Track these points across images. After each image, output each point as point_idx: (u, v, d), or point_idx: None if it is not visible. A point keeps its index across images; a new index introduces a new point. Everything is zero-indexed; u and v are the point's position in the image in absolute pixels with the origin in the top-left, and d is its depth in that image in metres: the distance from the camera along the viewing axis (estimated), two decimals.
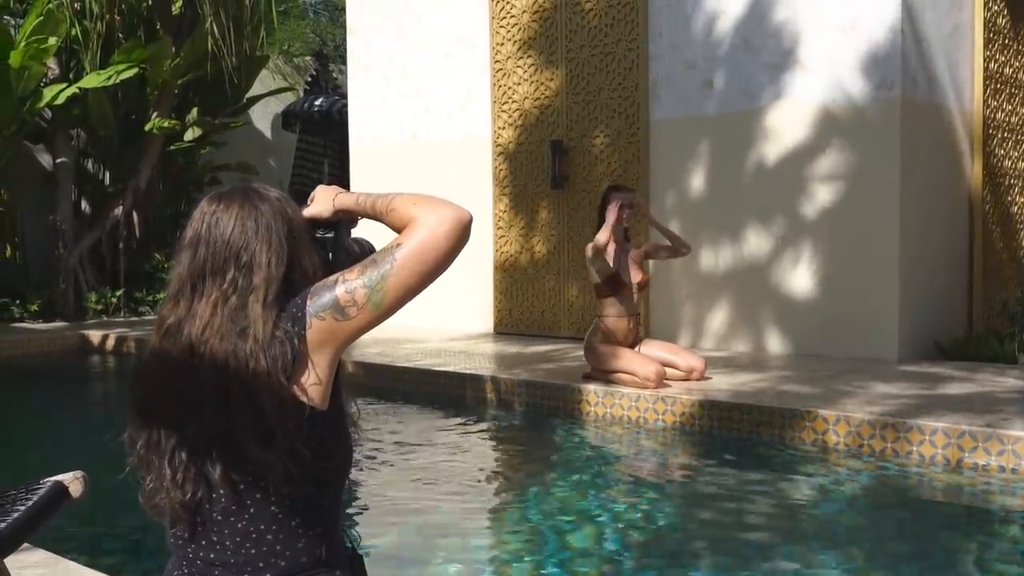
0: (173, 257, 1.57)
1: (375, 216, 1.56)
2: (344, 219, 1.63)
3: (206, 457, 1.44)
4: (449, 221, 1.43)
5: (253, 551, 1.44)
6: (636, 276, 5.76)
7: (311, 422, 1.44)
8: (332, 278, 1.47)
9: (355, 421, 1.59)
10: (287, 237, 1.51)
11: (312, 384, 1.44)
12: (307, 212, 1.61)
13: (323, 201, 1.62)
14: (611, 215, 5.57)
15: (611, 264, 5.64)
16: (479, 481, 4.63)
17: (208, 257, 1.49)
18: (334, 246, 1.62)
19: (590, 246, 5.60)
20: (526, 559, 3.44)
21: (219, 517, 1.45)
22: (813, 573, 3.26)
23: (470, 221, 1.45)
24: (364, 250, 1.67)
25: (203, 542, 1.47)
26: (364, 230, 1.59)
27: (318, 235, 1.62)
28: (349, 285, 1.43)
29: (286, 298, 1.48)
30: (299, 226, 1.55)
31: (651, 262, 7.49)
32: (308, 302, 1.45)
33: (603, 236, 5.52)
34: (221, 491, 1.44)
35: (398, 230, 1.49)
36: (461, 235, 1.44)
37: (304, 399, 1.44)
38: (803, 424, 4.76)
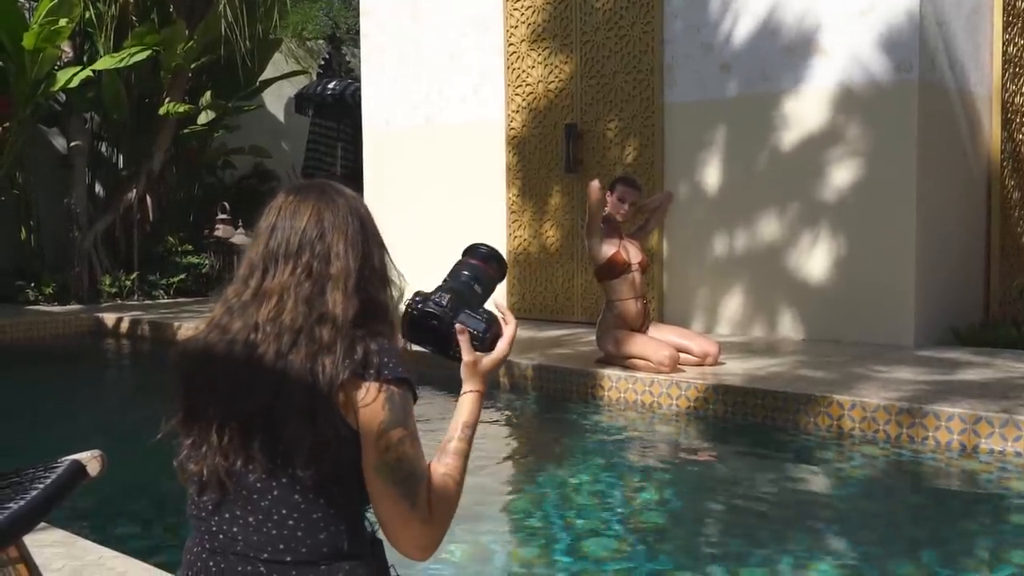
0: (247, 247, 1.60)
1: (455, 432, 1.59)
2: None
3: (250, 429, 1.46)
4: (435, 544, 1.50)
5: (274, 532, 1.46)
6: (636, 257, 5.72)
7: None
8: (408, 416, 1.47)
9: None
10: (360, 233, 1.55)
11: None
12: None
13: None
14: (604, 207, 5.58)
15: (612, 247, 5.61)
16: (493, 464, 4.63)
17: (283, 242, 1.52)
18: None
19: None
20: (539, 542, 3.45)
21: (245, 493, 1.47)
22: (827, 558, 3.25)
23: (431, 551, 1.51)
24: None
25: (227, 515, 1.48)
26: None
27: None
28: (393, 435, 1.45)
29: (360, 291, 1.51)
30: (372, 225, 1.58)
31: (665, 248, 7.47)
32: (396, 390, 1.46)
33: (593, 196, 5.49)
34: (252, 466, 1.46)
35: (449, 462, 1.54)
36: (426, 550, 1.50)
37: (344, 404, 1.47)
38: (818, 409, 4.74)
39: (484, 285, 1.67)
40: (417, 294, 1.63)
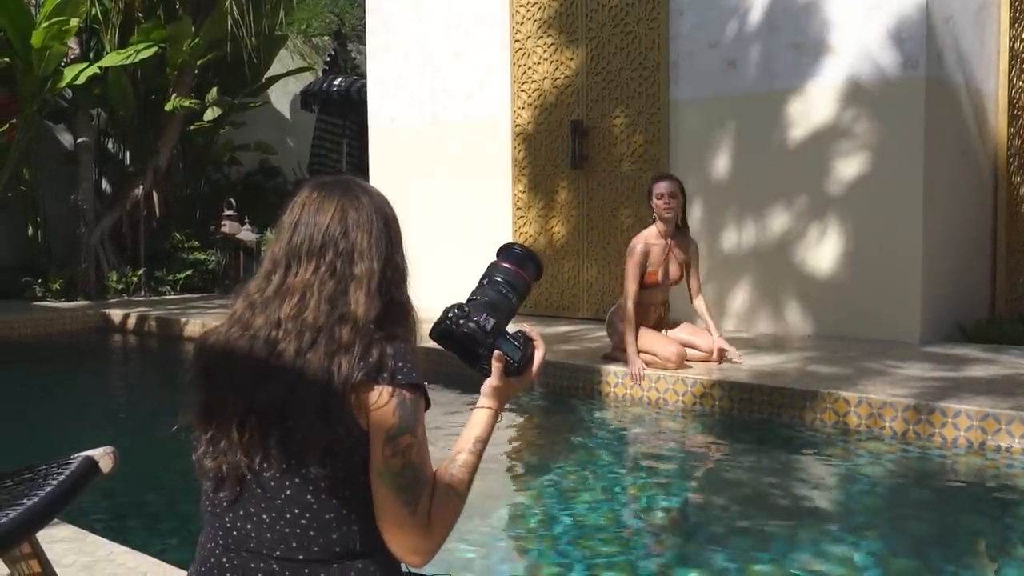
0: (273, 240, 1.59)
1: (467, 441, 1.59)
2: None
3: (269, 426, 1.46)
4: (431, 551, 1.49)
5: (287, 530, 1.47)
6: (674, 273, 5.64)
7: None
8: (417, 423, 1.47)
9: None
10: (384, 232, 1.54)
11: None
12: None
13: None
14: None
15: (656, 258, 5.55)
16: (498, 460, 4.64)
17: (306, 239, 1.52)
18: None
19: (635, 246, 5.52)
20: (544, 539, 3.45)
21: (260, 490, 1.48)
22: (833, 555, 3.26)
23: (427, 557, 1.50)
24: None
25: (241, 512, 1.49)
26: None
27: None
28: (401, 440, 1.45)
29: (382, 292, 1.51)
30: (396, 224, 1.58)
31: None
32: (409, 395, 1.46)
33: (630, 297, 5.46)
34: (268, 463, 1.47)
35: (455, 474, 1.54)
36: (421, 556, 1.49)
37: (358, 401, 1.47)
38: (824, 406, 4.74)
39: (519, 294, 1.64)
40: (458, 307, 1.58)
